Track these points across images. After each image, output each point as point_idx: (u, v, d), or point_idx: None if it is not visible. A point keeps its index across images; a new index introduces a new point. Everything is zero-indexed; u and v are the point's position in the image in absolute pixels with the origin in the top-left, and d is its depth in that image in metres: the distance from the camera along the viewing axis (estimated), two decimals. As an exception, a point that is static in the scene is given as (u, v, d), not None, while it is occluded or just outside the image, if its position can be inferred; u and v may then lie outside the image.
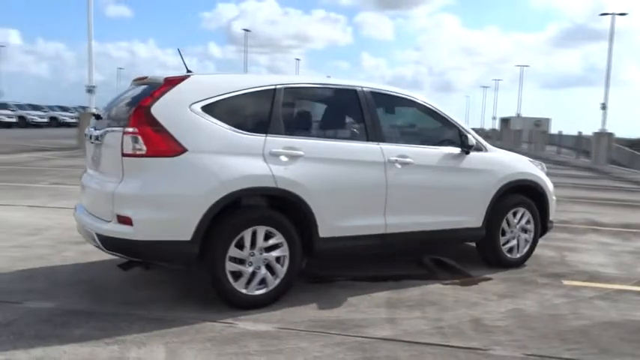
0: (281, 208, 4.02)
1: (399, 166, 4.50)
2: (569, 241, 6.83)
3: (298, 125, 4.26)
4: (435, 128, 5.03)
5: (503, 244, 5.27)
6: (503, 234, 5.25)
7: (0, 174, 11.46)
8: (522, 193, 5.37)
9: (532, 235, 5.45)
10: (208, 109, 3.81)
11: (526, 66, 68.36)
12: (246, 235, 3.84)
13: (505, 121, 51.79)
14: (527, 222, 5.40)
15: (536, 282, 4.92)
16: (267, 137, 3.96)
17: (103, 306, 3.93)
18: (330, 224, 4.18)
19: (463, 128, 5.01)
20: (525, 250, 5.43)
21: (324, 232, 4.15)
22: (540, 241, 6.39)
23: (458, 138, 4.87)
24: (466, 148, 4.86)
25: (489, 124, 68.71)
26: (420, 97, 4.93)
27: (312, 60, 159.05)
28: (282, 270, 4.00)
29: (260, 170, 3.86)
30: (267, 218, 3.93)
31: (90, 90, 19.95)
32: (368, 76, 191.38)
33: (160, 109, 3.66)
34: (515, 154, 5.79)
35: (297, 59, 60.61)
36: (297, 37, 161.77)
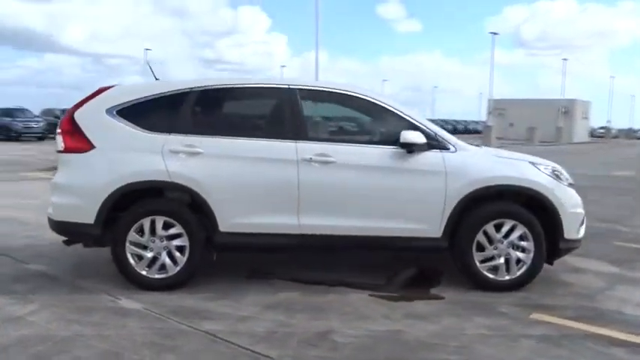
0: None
1: (317, 165, 4.29)
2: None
3: (205, 125, 4.46)
4: (382, 125, 4.55)
5: (483, 262, 4.42)
6: (481, 249, 4.41)
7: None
8: (519, 204, 4.43)
9: (531, 255, 4.41)
10: (122, 112, 4.39)
11: None
12: (145, 223, 4.28)
13: None
14: (522, 238, 4.40)
15: (494, 310, 4.03)
16: (170, 136, 4.32)
17: (68, 274, 4.79)
18: (231, 220, 4.30)
19: (420, 125, 4.43)
20: (520, 272, 4.43)
21: (224, 226, 4.30)
22: (608, 269, 5.13)
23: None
24: (408, 146, 4.29)
25: None
26: (368, 93, 4.53)
27: (613, 58, 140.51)
28: (182, 259, 4.31)
29: (155, 165, 4.26)
30: (165, 209, 4.31)
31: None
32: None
33: (81, 114, 4.41)
34: (517, 154, 4.73)
35: (564, 59, 54.60)
36: (596, 34, 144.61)
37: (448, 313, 3.94)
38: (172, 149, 4.29)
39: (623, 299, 4.35)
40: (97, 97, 4.47)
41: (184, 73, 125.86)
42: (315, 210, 4.33)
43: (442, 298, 4.30)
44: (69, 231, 4.40)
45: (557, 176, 4.54)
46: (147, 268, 4.32)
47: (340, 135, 4.64)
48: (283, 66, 64.56)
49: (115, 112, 4.39)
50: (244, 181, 4.30)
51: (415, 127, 4.40)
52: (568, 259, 5.49)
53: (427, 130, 4.42)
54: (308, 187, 4.30)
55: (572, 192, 4.59)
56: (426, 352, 3.29)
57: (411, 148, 4.31)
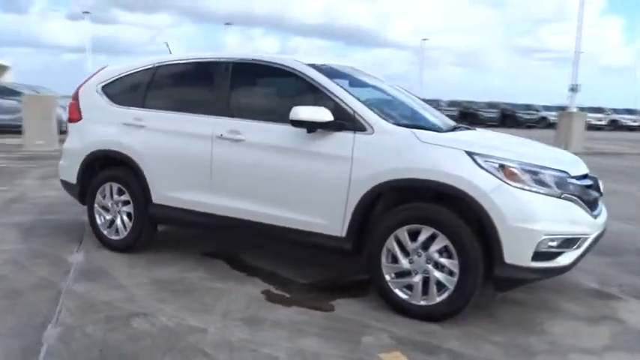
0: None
1: (228, 143, 4.00)
2: None
3: (155, 99, 4.52)
4: (300, 100, 3.81)
5: (396, 277, 3.45)
6: (394, 261, 3.43)
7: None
8: (452, 208, 3.29)
9: (455, 278, 3.23)
10: (104, 88, 4.86)
11: None
12: (107, 187, 4.70)
13: None
14: (444, 254, 3.26)
15: (352, 337, 3.14)
16: (128, 110, 4.62)
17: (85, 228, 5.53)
18: (162, 193, 4.37)
19: (338, 99, 3.66)
20: (441, 298, 3.30)
21: (156, 198, 4.41)
22: None
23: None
24: (302, 125, 3.59)
25: None
26: (299, 65, 3.92)
27: None
28: (129, 224, 4.61)
29: (112, 137, 4.62)
30: (118, 177, 4.63)
31: (573, 89, 19.31)
32: None
33: (83, 89, 5.05)
34: (481, 138, 3.45)
35: None
36: None
37: (292, 327, 3.24)
38: (126, 122, 4.58)
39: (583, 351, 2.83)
40: (96, 75, 5.06)
41: (499, 63, 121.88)
42: (223, 190, 4.07)
43: (331, 310, 3.54)
44: (66, 188, 5.14)
45: (510, 175, 3.17)
46: (107, 229, 4.75)
47: (258, 111, 4.12)
48: (581, 52, 54.62)
49: (100, 88, 4.91)
50: (171, 155, 4.31)
51: (333, 103, 3.68)
52: (620, 301, 3.85)
53: (344, 106, 3.64)
54: (218, 165, 4.07)
55: (536, 200, 3.15)
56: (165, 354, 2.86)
57: (311, 128, 3.62)
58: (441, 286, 3.30)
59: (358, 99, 3.69)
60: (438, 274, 3.30)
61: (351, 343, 3.06)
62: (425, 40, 52.09)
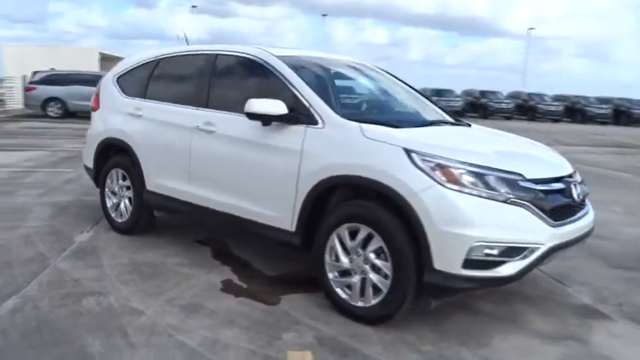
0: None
1: (203, 134, 4.10)
2: None
3: (152, 90, 4.72)
4: (265, 92, 3.77)
5: (339, 276, 3.35)
6: (337, 259, 3.34)
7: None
8: (390, 209, 3.14)
9: (389, 280, 3.08)
10: (118, 79, 5.17)
11: None
12: (113, 173, 5.01)
13: None
14: (381, 256, 3.12)
15: (274, 334, 3.10)
16: (132, 100, 4.87)
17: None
18: (153, 180, 4.58)
19: (296, 92, 3.61)
20: (375, 301, 3.17)
21: (150, 185, 4.63)
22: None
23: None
24: (256, 117, 3.58)
25: None
26: (267, 56, 3.91)
27: None
28: (130, 208, 4.89)
29: (118, 125, 4.90)
30: (122, 163, 4.91)
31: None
32: None
33: (103, 80, 5.40)
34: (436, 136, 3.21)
35: None
36: None
37: (224, 318, 3.27)
38: (129, 112, 4.85)
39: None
40: (115, 66, 5.40)
41: (629, 53, 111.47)
42: (200, 181, 4.18)
43: (275, 304, 3.52)
44: (87, 172, 5.52)
45: (447, 175, 2.94)
46: (115, 212, 5.06)
47: (229, 103, 4.10)
48: None
49: (115, 80, 5.23)
50: (160, 144, 4.49)
51: (292, 95, 3.64)
52: (607, 321, 3.48)
53: (301, 99, 3.58)
54: (195, 155, 4.18)
55: (473, 203, 2.90)
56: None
57: (266, 121, 3.61)
58: (376, 288, 3.17)
59: (316, 91, 3.62)
60: (372, 276, 3.16)
61: (270, 338, 3.04)
62: (531, 29, 48.74)
